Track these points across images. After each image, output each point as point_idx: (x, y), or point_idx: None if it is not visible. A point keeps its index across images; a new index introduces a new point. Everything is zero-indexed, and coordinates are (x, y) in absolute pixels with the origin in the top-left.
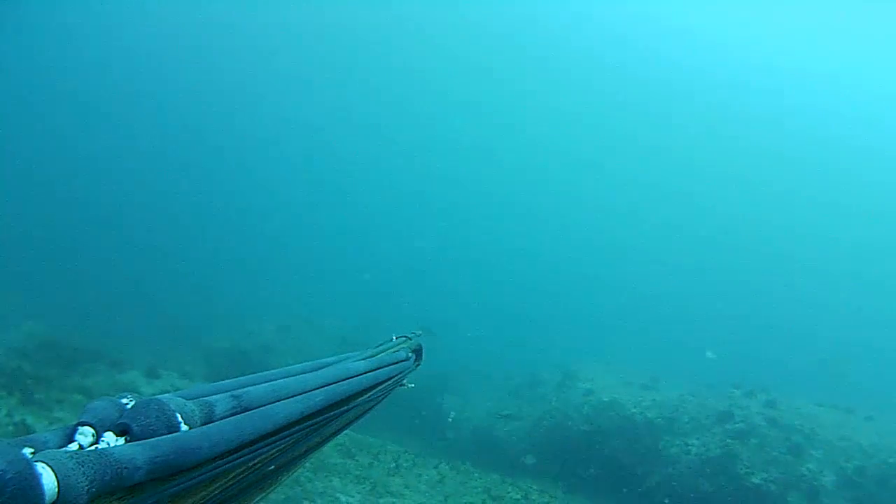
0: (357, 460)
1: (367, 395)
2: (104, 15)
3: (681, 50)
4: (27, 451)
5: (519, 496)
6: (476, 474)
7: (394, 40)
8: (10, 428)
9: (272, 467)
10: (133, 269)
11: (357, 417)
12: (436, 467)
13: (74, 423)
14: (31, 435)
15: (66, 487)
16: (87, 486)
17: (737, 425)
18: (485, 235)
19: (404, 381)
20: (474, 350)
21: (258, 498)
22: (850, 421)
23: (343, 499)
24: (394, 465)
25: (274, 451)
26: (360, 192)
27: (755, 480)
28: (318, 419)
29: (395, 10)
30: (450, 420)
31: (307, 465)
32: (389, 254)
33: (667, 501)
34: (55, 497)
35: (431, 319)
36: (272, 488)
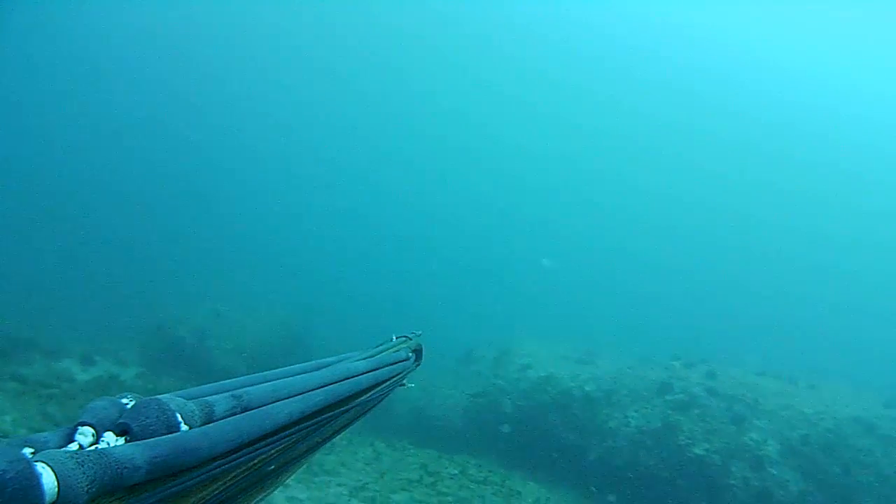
0: None
1: (367, 395)
2: (98, 15)
3: (679, 49)
4: (27, 450)
5: (456, 471)
6: (412, 450)
7: (384, 43)
8: None
9: (272, 467)
10: (65, 257)
11: (357, 417)
12: (371, 444)
13: (74, 422)
14: (31, 435)
15: (66, 487)
16: (86, 485)
17: (677, 396)
18: (433, 218)
19: (404, 381)
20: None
21: (258, 498)
22: (792, 390)
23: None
24: (328, 443)
25: (274, 451)
26: (303, 179)
27: (697, 451)
28: (318, 419)
29: (387, 13)
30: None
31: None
32: (330, 240)
33: (593, 491)
34: (55, 497)
35: (367, 301)
36: (272, 488)
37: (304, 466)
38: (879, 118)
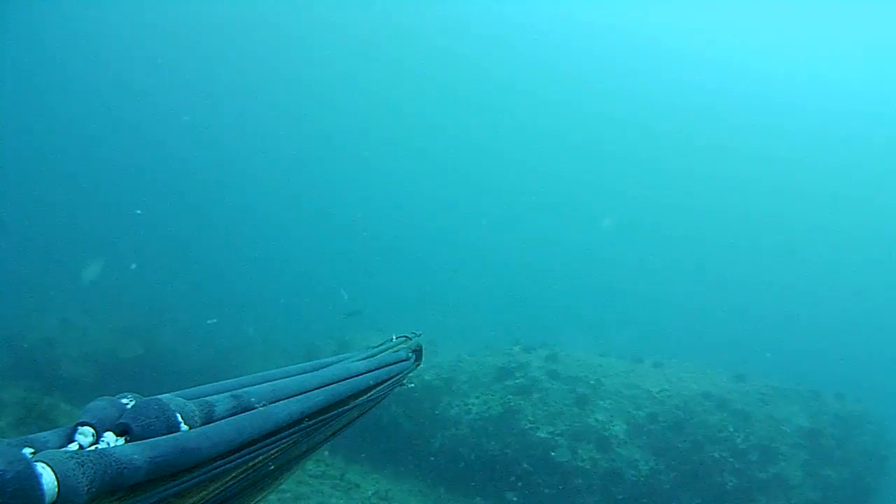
0: None
1: (367, 395)
2: (98, 15)
3: (673, 57)
4: (27, 451)
5: None
6: None
7: (381, 42)
8: None
9: (272, 467)
10: None
11: (357, 417)
12: None
13: (75, 423)
14: (31, 435)
15: (66, 487)
16: (86, 485)
17: (517, 381)
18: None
19: (404, 381)
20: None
21: (258, 498)
22: (638, 369)
23: None
24: None
25: (274, 450)
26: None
27: (541, 434)
28: (318, 419)
29: (385, 12)
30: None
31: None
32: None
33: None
34: (55, 497)
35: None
36: (272, 488)
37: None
38: (872, 118)
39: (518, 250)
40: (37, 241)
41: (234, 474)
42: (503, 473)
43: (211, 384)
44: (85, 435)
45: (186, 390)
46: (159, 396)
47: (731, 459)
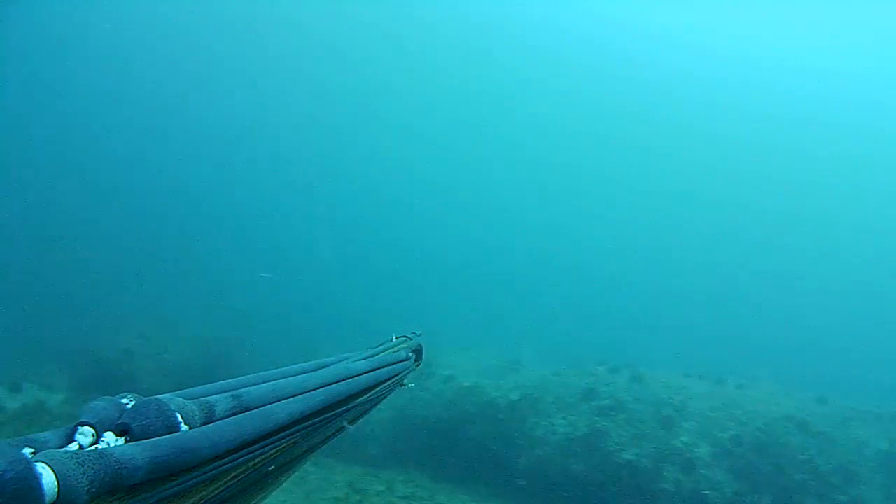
0: None
1: (367, 395)
2: (98, 14)
3: (673, 49)
4: (27, 451)
5: (383, 487)
6: (339, 468)
7: (385, 37)
8: None
9: (272, 467)
10: None
11: (357, 417)
12: None
13: (75, 423)
14: (32, 435)
15: (66, 487)
16: (87, 485)
17: (603, 402)
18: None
19: (404, 381)
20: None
21: (258, 498)
22: (721, 391)
23: None
24: None
25: (274, 451)
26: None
27: (627, 456)
28: (318, 419)
29: (389, 9)
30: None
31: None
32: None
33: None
34: (55, 497)
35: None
36: (272, 488)
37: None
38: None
39: (594, 263)
40: (113, 253)
41: (234, 474)
42: (589, 495)
43: (211, 384)
44: (85, 435)
45: (186, 390)
46: (159, 396)
47: (812, 482)
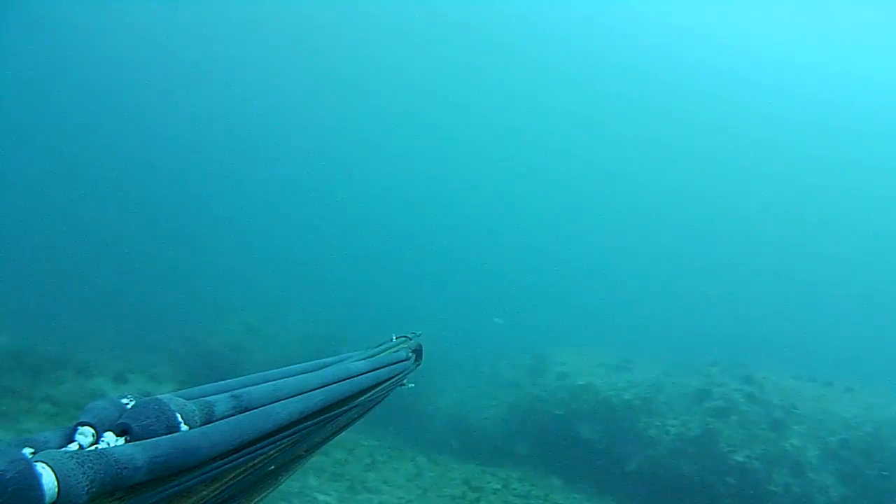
0: (332, 457)
1: (367, 395)
2: (98, 14)
3: (681, 46)
4: (27, 451)
5: (499, 485)
6: (454, 465)
7: (391, 42)
8: None
9: (272, 467)
10: (94, 275)
11: (357, 417)
12: (412, 460)
13: (74, 423)
14: (31, 435)
15: (66, 487)
16: (87, 486)
17: (715, 403)
18: (455, 225)
19: (404, 381)
20: (443, 339)
21: (258, 498)
22: (830, 394)
23: (321, 498)
24: (369, 460)
25: (274, 451)
26: (322, 190)
27: (738, 458)
28: (318, 419)
29: (394, 11)
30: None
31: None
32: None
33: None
34: (55, 497)
35: (402, 311)
36: (272, 488)
37: (346, 484)
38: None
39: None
40: (214, 247)
41: (234, 474)
42: (699, 496)
43: (211, 384)
44: (85, 435)
45: (186, 390)
46: (159, 396)
47: None
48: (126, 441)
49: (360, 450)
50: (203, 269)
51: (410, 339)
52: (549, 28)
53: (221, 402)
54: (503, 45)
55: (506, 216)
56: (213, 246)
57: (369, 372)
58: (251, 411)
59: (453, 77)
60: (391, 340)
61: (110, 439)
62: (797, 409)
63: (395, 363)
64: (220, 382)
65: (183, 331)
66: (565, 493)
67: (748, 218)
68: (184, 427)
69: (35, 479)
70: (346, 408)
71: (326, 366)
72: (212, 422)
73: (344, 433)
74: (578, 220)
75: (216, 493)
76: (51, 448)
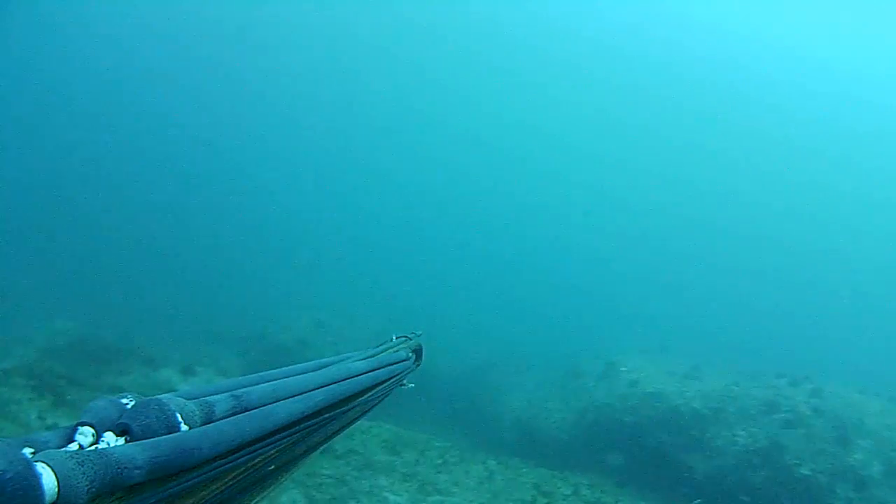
0: (403, 457)
1: (367, 395)
2: (101, 14)
3: (694, 41)
4: (27, 450)
5: (569, 491)
6: (525, 469)
7: (405, 39)
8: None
9: (272, 467)
10: (161, 266)
11: (357, 417)
12: (483, 463)
13: (74, 423)
14: (31, 435)
15: (66, 487)
16: (86, 485)
17: (783, 415)
18: (511, 233)
19: (404, 381)
20: (512, 343)
21: (258, 498)
22: (894, 409)
23: (391, 498)
24: (440, 461)
25: (274, 451)
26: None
27: (804, 472)
28: (318, 419)
29: (406, 8)
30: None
31: (353, 463)
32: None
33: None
34: (55, 497)
35: (467, 314)
36: (272, 488)
37: (416, 485)
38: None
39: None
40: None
41: (234, 474)
42: None
43: (211, 384)
44: (85, 435)
45: (186, 390)
46: (159, 396)
47: None
48: (126, 441)
49: (432, 451)
50: (272, 263)
51: (410, 339)
52: (565, 24)
53: (221, 402)
54: (520, 40)
55: (573, 227)
56: (283, 240)
57: (369, 372)
58: (251, 411)
59: (469, 74)
60: (391, 340)
61: (110, 439)
62: (863, 423)
63: (395, 363)
64: (220, 382)
65: (254, 325)
66: (634, 500)
67: (823, 232)
68: (184, 427)
69: (35, 479)
70: (346, 408)
71: (327, 366)
72: (212, 422)
73: (350, 429)
74: (644, 228)
75: (216, 493)
76: (51, 448)
